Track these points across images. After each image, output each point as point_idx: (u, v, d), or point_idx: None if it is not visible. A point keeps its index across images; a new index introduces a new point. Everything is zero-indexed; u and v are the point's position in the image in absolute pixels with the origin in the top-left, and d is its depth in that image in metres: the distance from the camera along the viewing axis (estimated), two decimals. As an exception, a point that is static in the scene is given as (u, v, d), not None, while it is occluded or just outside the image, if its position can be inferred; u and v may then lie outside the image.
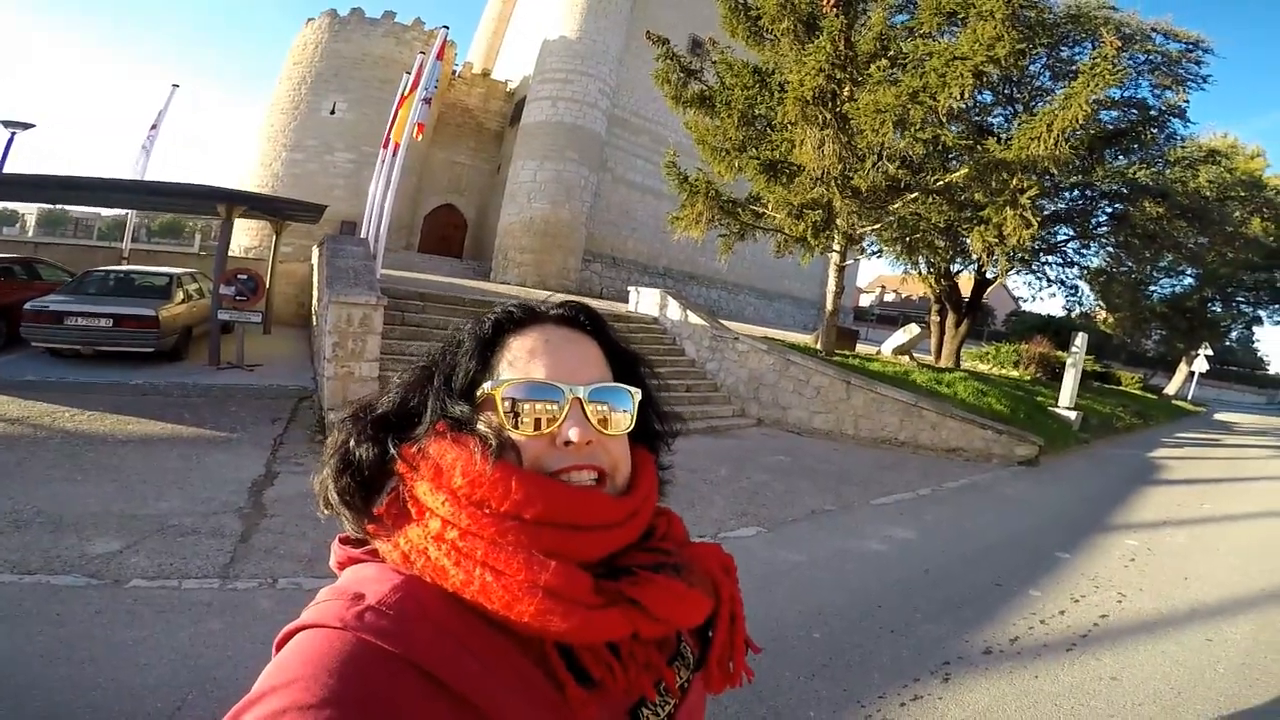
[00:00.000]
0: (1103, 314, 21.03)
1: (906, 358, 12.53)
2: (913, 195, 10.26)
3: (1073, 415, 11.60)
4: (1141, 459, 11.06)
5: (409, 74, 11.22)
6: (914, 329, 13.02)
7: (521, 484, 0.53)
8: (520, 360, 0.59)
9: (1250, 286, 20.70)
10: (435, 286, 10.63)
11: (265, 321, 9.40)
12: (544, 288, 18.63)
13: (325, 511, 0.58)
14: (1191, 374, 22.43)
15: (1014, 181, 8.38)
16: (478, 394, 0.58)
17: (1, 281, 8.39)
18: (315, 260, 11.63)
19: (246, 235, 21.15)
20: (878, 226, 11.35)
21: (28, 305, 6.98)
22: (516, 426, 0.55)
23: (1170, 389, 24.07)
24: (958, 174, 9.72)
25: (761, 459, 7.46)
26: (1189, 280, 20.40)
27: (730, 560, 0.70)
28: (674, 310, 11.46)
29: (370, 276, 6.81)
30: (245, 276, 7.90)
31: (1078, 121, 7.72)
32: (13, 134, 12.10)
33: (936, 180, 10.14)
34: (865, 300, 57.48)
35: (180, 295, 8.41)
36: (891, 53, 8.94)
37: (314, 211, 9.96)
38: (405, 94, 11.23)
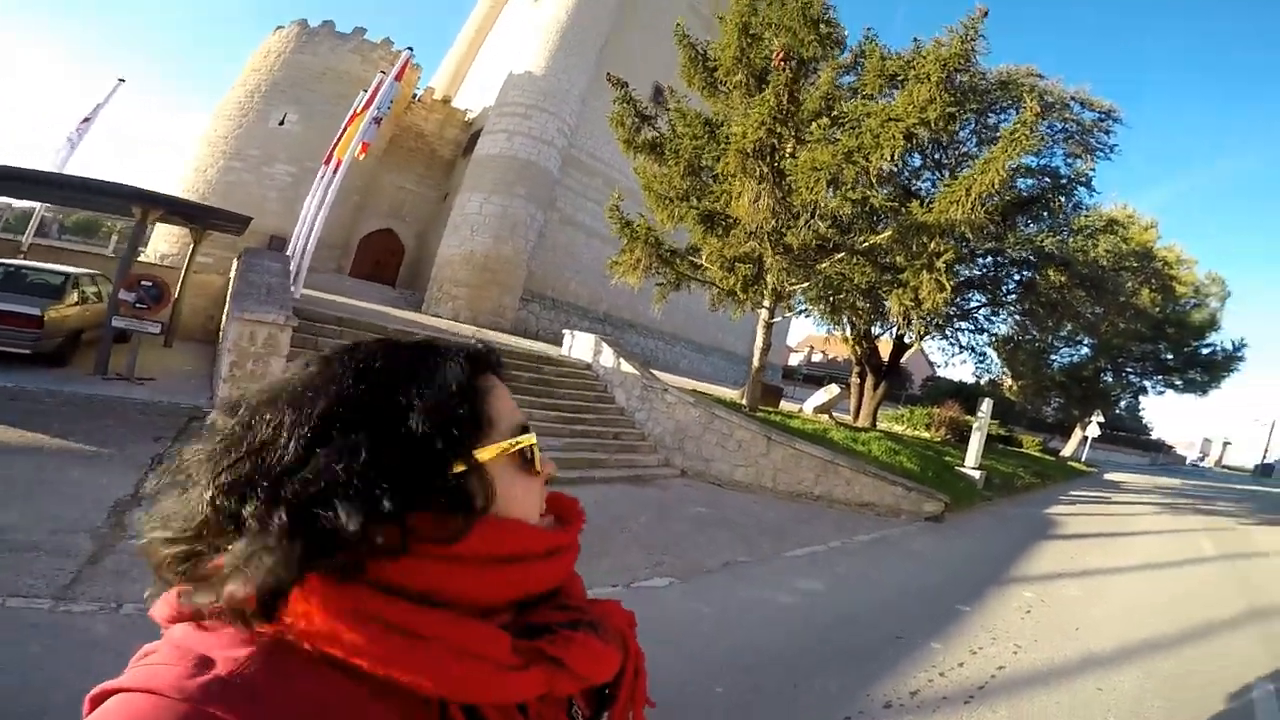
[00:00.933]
0: (1009, 381, 23.00)
1: (826, 416, 13.08)
2: (839, 255, 10.73)
3: (977, 474, 12.41)
4: (1039, 515, 11.89)
5: (366, 91, 11.05)
6: (834, 389, 13.67)
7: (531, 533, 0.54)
8: (505, 403, 0.55)
9: (1138, 357, 23.24)
10: (359, 313, 10.17)
11: (167, 333, 8.63)
12: (476, 324, 18.22)
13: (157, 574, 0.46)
14: (1085, 438, 24.83)
15: (932, 245, 8.94)
16: (476, 451, 0.49)
17: None
18: (232, 274, 10.91)
19: (165, 242, 19.86)
20: (806, 285, 11.73)
21: None
22: (532, 472, 0.55)
23: (1066, 451, 26.51)
24: (882, 236, 10.24)
25: (683, 509, 7.42)
26: (1085, 350, 22.65)
27: (633, 616, 0.69)
28: (607, 357, 11.52)
29: (284, 295, 6.43)
30: (150, 284, 7.31)
31: (994, 186, 8.34)
32: None
33: (862, 241, 10.62)
34: (795, 359, 60.11)
35: (74, 297, 7.76)
36: (835, 112, 9.53)
37: (238, 222, 9.40)
38: (358, 111, 11.07)
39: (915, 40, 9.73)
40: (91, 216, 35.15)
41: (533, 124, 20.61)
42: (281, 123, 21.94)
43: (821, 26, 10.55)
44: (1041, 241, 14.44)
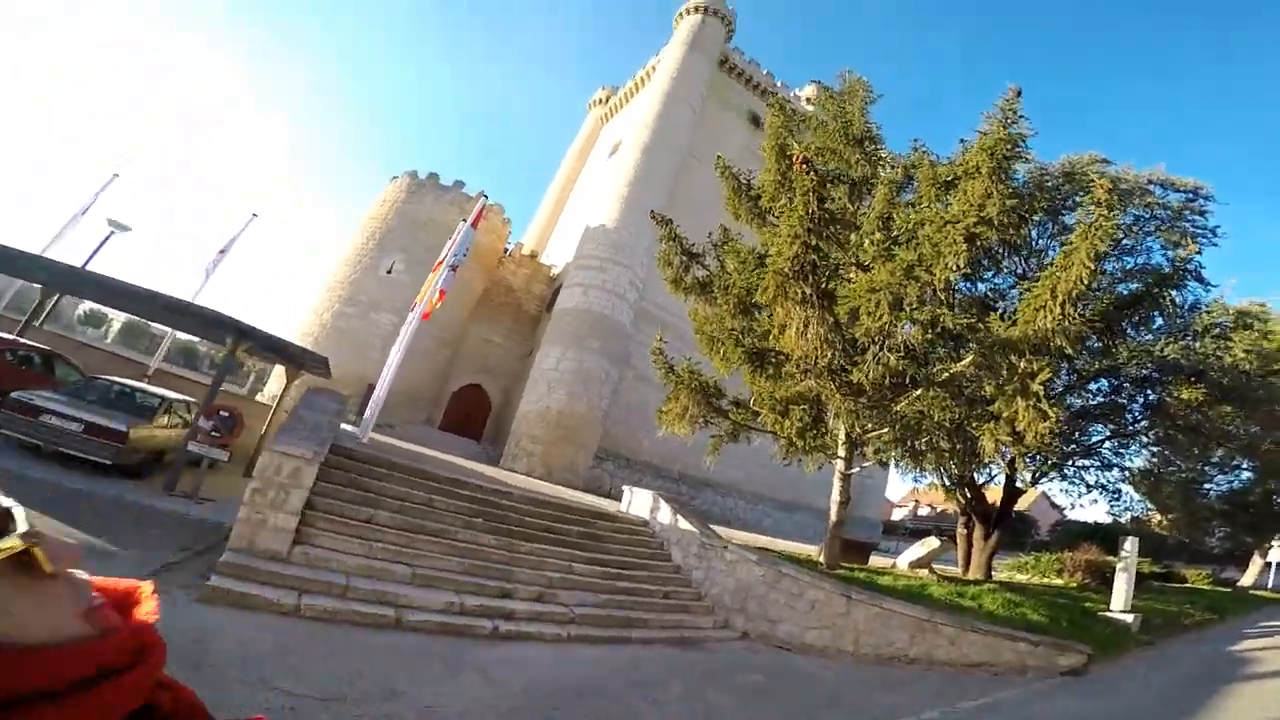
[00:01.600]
0: (1155, 516, 19.03)
1: (925, 571, 11.15)
2: (917, 391, 9.29)
3: (1129, 618, 10.39)
4: (1221, 652, 9.51)
5: (451, 241, 12.35)
6: (933, 542, 11.87)
7: None
8: None
9: None
10: (418, 459, 10.56)
11: (248, 462, 9.33)
12: (549, 480, 18.33)
13: None
14: (1269, 564, 19.69)
15: (1023, 365, 7.67)
16: None
17: (20, 369, 9.00)
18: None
19: (277, 381, 21.66)
20: (884, 431, 10.19)
21: (13, 395, 7.26)
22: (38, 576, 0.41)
23: (1246, 580, 22.12)
24: (963, 363, 8.85)
25: (731, 677, 6.26)
26: (1247, 474, 18.36)
27: None
28: (665, 514, 11.00)
29: (325, 433, 6.84)
30: (227, 414, 8.22)
31: (1082, 282, 7.19)
32: (111, 233, 13.51)
33: (941, 371, 9.19)
34: (898, 514, 53.98)
35: (165, 419, 8.73)
36: (894, 231, 9.05)
37: (318, 363, 10.47)
38: (441, 260, 12.44)
39: (962, 141, 9.24)
40: (199, 342, 39.47)
41: (607, 277, 22.16)
42: (389, 271, 24.08)
43: (866, 144, 10.81)
44: (1162, 350, 12.38)
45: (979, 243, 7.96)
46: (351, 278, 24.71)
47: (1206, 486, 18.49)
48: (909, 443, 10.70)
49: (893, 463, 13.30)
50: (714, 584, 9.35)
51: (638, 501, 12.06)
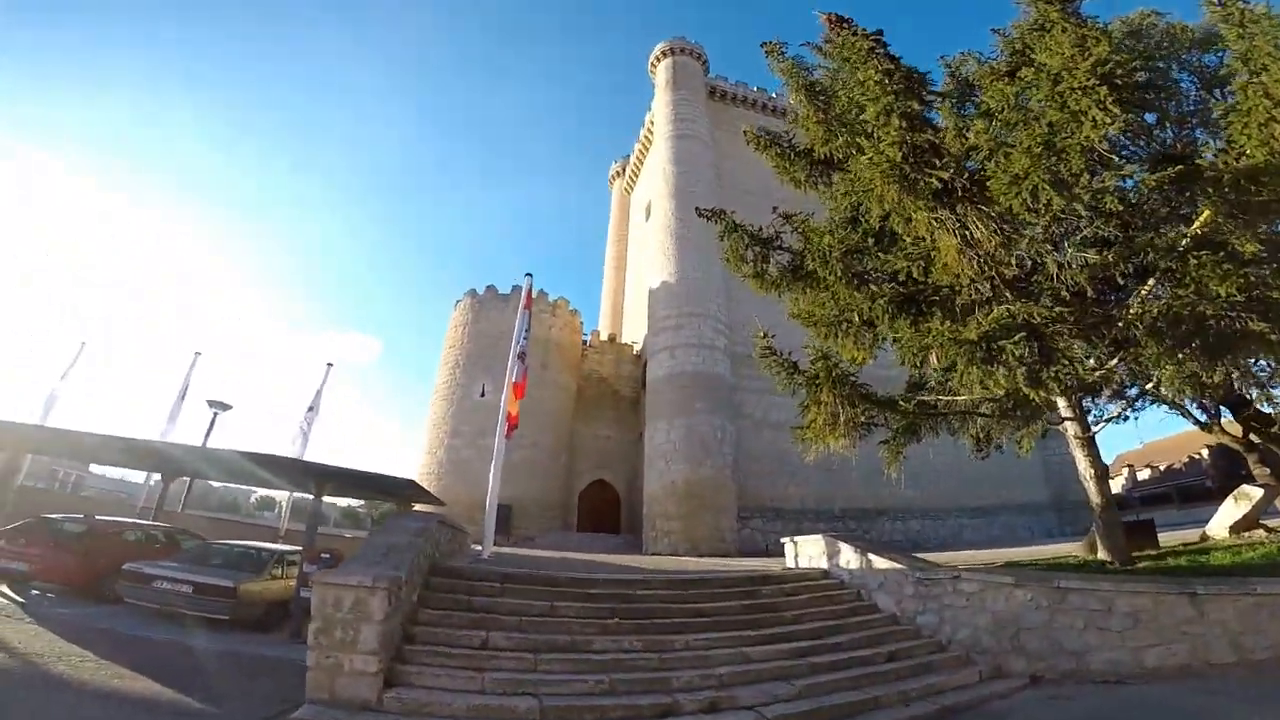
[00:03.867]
0: None
1: (1261, 532, 7.54)
2: (1149, 283, 6.36)
3: None
4: None
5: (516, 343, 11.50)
6: (1253, 492, 8.22)
7: None
8: None
9: None
10: (548, 565, 8.99)
11: None
12: (696, 554, 16.06)
13: None
14: None
15: None
16: None
17: (142, 545, 9.56)
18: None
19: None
20: (1117, 357, 7.01)
21: (125, 566, 7.72)
22: None
23: None
24: (1198, 222, 5.95)
25: None
26: None
27: None
28: (849, 556, 8.65)
29: (403, 555, 5.50)
30: (328, 555, 8.45)
31: None
32: (215, 414, 14.12)
33: (1169, 243, 6.08)
34: (1114, 487, 43.67)
35: (278, 572, 8.64)
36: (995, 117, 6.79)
37: (403, 489, 9.56)
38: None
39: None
40: (361, 506, 40.64)
41: (687, 333, 20.73)
42: (483, 394, 23.69)
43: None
44: None
45: (1120, 81, 5.56)
46: (450, 411, 24.83)
47: None
48: (1167, 352, 6.75)
49: (1142, 399, 9.47)
50: (959, 626, 6.68)
51: (806, 550, 9.78)
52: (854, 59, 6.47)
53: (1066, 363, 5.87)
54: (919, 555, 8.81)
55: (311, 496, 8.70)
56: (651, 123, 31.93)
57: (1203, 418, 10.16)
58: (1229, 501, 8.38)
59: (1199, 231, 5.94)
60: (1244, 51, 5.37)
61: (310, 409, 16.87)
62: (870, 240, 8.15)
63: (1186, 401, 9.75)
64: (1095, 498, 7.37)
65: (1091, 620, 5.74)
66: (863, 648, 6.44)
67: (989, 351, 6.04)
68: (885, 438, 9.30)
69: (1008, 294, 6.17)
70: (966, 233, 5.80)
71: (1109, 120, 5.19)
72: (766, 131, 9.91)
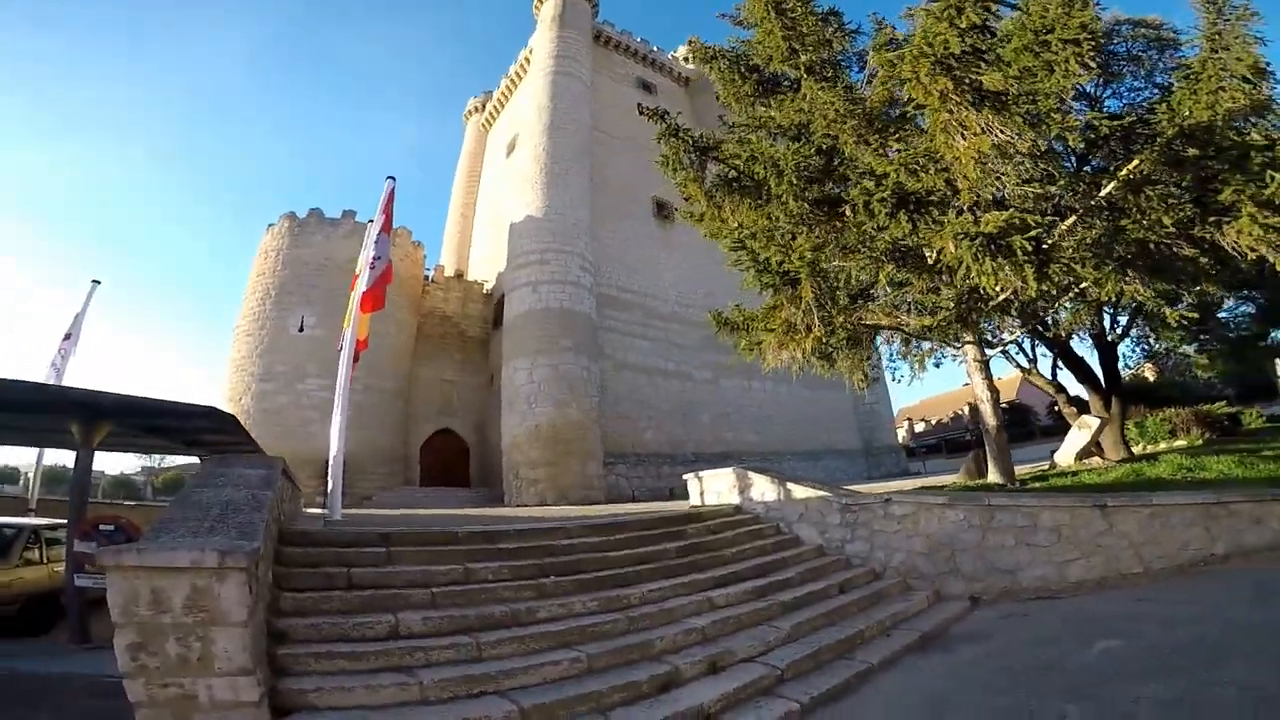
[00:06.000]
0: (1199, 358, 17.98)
1: (1098, 460, 8.94)
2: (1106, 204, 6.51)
3: None
4: None
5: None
6: (1090, 421, 9.63)
7: None
8: None
9: None
10: (423, 521, 7.21)
11: None
12: (567, 503, 15.11)
13: None
14: None
15: (1258, 135, 5.80)
16: None
17: None
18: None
19: None
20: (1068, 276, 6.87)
21: None
22: None
23: None
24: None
25: (1072, 657, 3.51)
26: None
27: None
28: (763, 489, 8.33)
29: (251, 517, 3.58)
30: (111, 527, 5.98)
31: None
32: None
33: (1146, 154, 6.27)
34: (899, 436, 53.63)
35: (28, 554, 6.87)
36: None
37: (232, 429, 6.99)
38: (356, 274, 9.12)
39: None
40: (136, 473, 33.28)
41: (554, 268, 19.17)
42: (301, 328, 20.04)
43: (832, 19, 8.10)
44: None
45: (1087, 46, 5.54)
46: (259, 349, 20.20)
47: (1223, 314, 17.35)
48: (1114, 272, 7.00)
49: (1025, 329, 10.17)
50: (893, 552, 6.69)
51: (713, 486, 9.32)
52: None
53: (1065, 262, 5.91)
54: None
55: (75, 452, 5.91)
56: (527, 59, 29.18)
57: (1024, 363, 11.93)
58: (1073, 431, 9.95)
59: (1130, 175, 6.37)
60: (1211, 32, 5.76)
61: (67, 336, 12.01)
62: (820, 159, 7.58)
63: (1026, 344, 11.33)
64: (990, 419, 8.02)
65: (1020, 537, 6.07)
66: (811, 582, 6.11)
67: (998, 247, 5.85)
68: (854, 352, 8.93)
69: (1023, 188, 6.03)
70: (991, 126, 5.43)
71: (1082, 72, 5.23)
72: (708, 47, 8.85)
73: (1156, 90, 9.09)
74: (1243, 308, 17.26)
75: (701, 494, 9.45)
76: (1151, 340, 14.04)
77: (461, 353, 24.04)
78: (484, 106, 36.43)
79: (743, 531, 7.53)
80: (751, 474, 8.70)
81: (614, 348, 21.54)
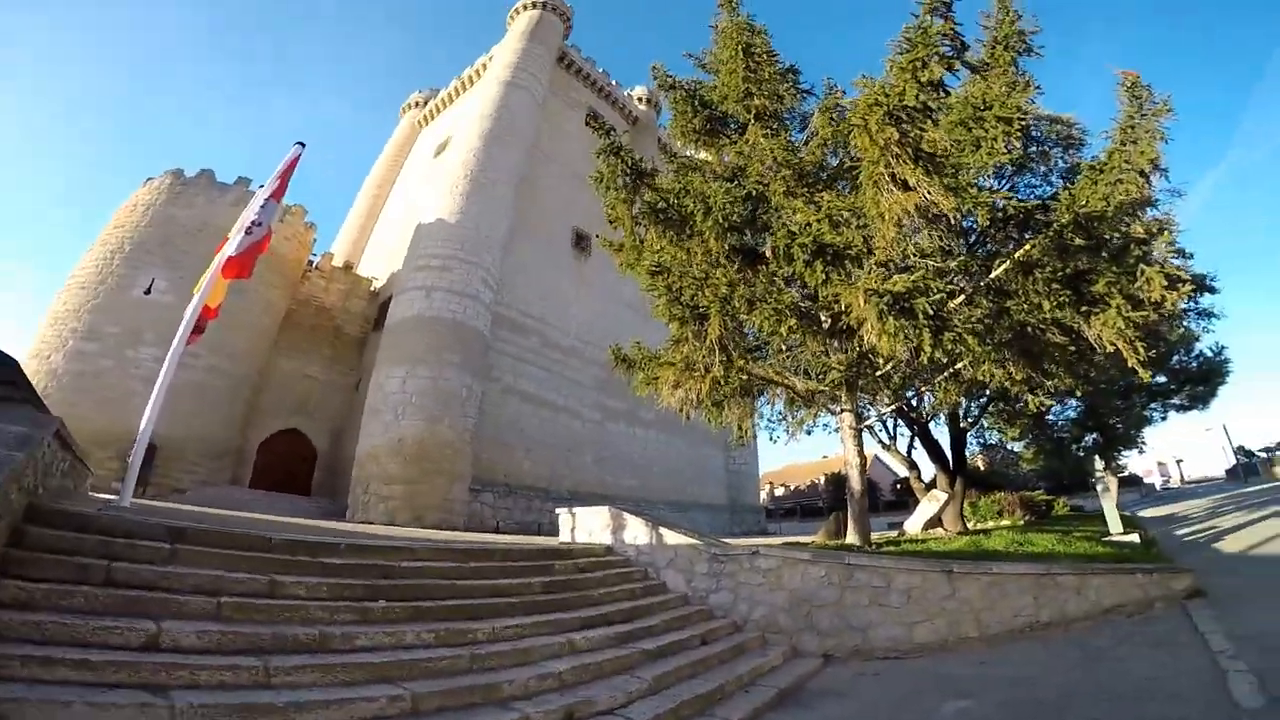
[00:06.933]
0: (1027, 452, 20.88)
1: (942, 530, 9.68)
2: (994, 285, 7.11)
3: (1134, 538, 9.53)
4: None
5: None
6: (939, 495, 10.50)
7: None
8: None
9: (1126, 393, 21.14)
10: (233, 522, 5.93)
11: None
12: (421, 525, 13.66)
13: None
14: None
15: (1140, 228, 6.54)
16: None
17: None
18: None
19: None
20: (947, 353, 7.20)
21: None
22: None
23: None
24: (1035, 242, 6.81)
25: None
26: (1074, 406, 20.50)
27: None
28: (637, 531, 8.05)
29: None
30: None
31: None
32: None
33: (1026, 251, 6.97)
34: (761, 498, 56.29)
35: None
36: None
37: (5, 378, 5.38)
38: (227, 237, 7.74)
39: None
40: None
41: (454, 277, 18.04)
42: (149, 291, 17.34)
43: (789, 77, 8.80)
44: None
45: (1017, 125, 6.28)
46: (91, 304, 17.01)
47: (1050, 418, 20.41)
48: (993, 350, 7.51)
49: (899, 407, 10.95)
50: (755, 605, 6.57)
51: (586, 523, 8.93)
52: None
53: (958, 332, 6.34)
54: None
55: None
56: (485, 65, 28.87)
57: (885, 439, 12.97)
58: (924, 503, 10.77)
59: (1023, 258, 7.09)
60: (1127, 124, 6.55)
61: None
62: (748, 206, 7.79)
63: (889, 422, 12.32)
64: (856, 484, 8.37)
65: (875, 597, 6.21)
66: (675, 631, 5.80)
67: (903, 308, 6.12)
68: (722, 397, 8.88)
69: (923, 261, 6.44)
70: (918, 192, 5.78)
71: (1006, 151, 5.85)
72: (670, 76, 9.08)
73: (1051, 188, 10.16)
74: (1066, 413, 20.40)
75: (573, 530, 8.96)
76: (990, 433, 16.08)
77: (332, 349, 21.72)
78: (426, 103, 35.50)
79: (612, 573, 7.10)
80: (627, 515, 8.40)
81: (504, 371, 20.58)
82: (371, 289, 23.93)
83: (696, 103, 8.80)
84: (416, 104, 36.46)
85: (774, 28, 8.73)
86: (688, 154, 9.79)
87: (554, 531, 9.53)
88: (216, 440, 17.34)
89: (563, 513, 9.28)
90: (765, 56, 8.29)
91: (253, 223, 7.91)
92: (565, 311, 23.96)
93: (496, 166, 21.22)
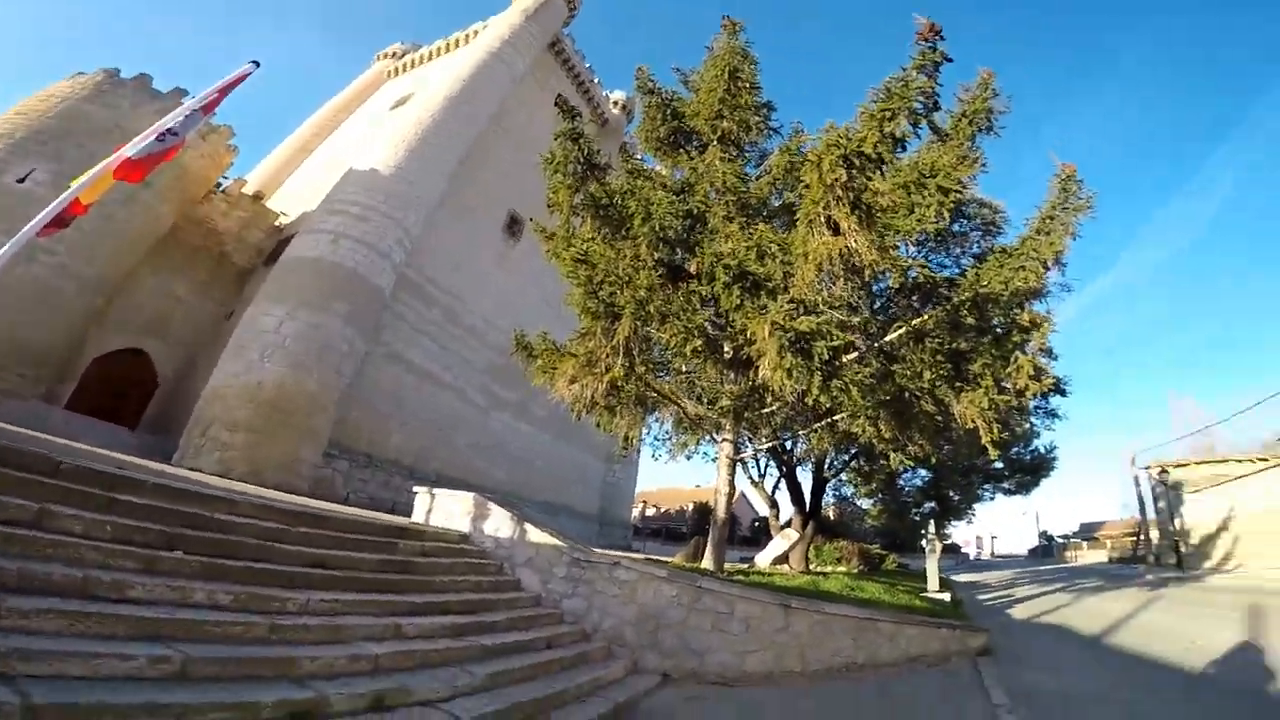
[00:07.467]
0: (873, 509, 22.84)
1: (787, 566, 10.19)
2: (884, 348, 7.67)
3: (946, 596, 10.78)
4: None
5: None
6: (791, 534, 11.06)
7: None
8: None
9: (967, 471, 23.93)
10: (19, 439, 4.82)
11: None
12: (258, 482, 12.17)
13: None
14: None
15: (1026, 317, 7.00)
16: None
17: None
18: None
19: None
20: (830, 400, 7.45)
21: None
22: None
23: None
24: (933, 313, 7.49)
25: None
26: (922, 475, 22.88)
27: None
28: (500, 523, 7.72)
29: None
30: None
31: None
32: None
33: (923, 320, 7.59)
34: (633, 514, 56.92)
35: None
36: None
37: None
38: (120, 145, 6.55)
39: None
40: None
41: (368, 228, 16.66)
42: (22, 180, 14.82)
43: (764, 111, 9.11)
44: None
45: (953, 198, 6.61)
46: None
47: (900, 482, 22.59)
48: (870, 407, 7.90)
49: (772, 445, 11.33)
50: (606, 615, 6.46)
51: (445, 506, 8.39)
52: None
53: (845, 382, 6.61)
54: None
55: None
56: (475, 32, 27.90)
57: (755, 476, 13.59)
58: (777, 539, 11.29)
59: (919, 327, 7.69)
60: (1048, 214, 7.13)
61: None
62: (686, 223, 7.85)
63: (762, 460, 12.92)
64: (721, 512, 8.58)
65: (717, 622, 6.34)
66: (519, 630, 5.54)
67: (803, 347, 6.26)
68: (617, 403, 8.71)
69: (830, 311, 6.70)
70: (847, 239, 6.01)
71: (935, 221, 6.31)
72: (652, 80, 9.21)
73: (959, 269, 10.55)
74: (914, 480, 22.59)
75: (429, 512, 8.40)
76: (846, 486, 17.47)
77: (211, 275, 19.24)
78: (403, 55, 33.72)
79: (462, 562, 6.71)
80: (492, 505, 8.02)
81: (395, 336, 19.19)
82: (276, 223, 21.58)
83: (668, 112, 8.89)
84: (393, 54, 34.33)
85: (765, 67, 9.12)
86: (646, 165, 9.83)
87: (409, 513, 8.87)
88: (40, 349, 14.52)
89: (421, 492, 8.69)
90: (748, 85, 8.54)
91: (167, 130, 6.84)
92: (478, 290, 22.98)
93: (450, 131, 20.22)
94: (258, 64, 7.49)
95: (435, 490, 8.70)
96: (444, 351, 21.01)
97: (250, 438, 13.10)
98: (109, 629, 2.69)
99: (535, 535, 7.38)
